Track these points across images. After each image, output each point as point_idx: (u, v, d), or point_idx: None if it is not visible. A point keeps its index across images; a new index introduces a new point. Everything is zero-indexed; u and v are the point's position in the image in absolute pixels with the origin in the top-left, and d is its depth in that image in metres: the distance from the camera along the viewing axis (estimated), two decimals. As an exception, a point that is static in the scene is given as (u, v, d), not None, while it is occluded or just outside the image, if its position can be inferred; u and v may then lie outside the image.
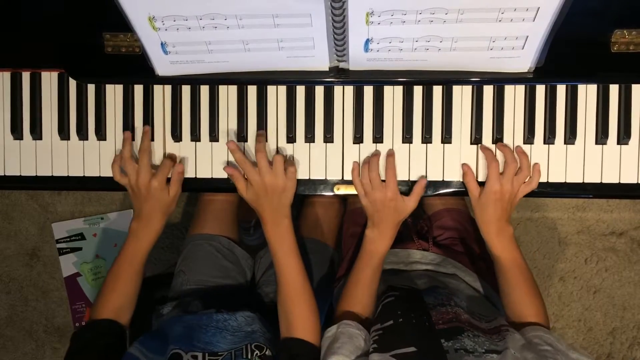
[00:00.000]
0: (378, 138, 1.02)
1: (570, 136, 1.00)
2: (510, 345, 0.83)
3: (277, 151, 1.02)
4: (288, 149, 1.03)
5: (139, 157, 1.00)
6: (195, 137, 1.03)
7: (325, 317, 1.21)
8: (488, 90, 1.01)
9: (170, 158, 1.03)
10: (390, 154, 1.00)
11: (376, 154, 1.01)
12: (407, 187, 1.01)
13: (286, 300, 0.99)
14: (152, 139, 1.03)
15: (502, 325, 0.92)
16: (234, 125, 1.03)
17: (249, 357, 0.94)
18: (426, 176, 1.01)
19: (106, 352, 0.95)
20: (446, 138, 1.01)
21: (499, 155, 0.99)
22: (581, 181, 1.00)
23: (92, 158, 1.05)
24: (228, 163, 1.03)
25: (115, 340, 0.98)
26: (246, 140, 1.03)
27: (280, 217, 0.99)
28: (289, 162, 1.01)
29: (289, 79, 1.00)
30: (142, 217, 1.01)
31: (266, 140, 1.02)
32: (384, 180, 0.98)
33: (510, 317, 1.00)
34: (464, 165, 1.00)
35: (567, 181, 1.01)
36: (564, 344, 0.87)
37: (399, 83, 1.01)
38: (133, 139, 1.03)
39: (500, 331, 0.90)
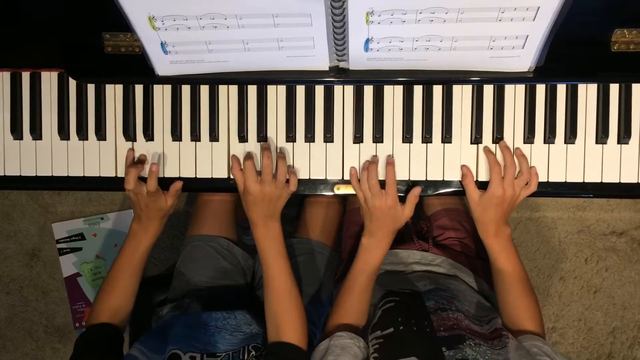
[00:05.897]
0: (378, 138, 1.01)
1: (571, 136, 1.00)
2: (511, 356, 0.83)
3: (279, 151, 1.02)
4: (288, 148, 1.03)
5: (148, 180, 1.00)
6: (195, 137, 1.03)
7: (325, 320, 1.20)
8: (488, 90, 1.01)
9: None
10: (390, 162, 0.99)
11: (374, 160, 1.00)
12: (407, 187, 1.01)
13: (273, 303, 0.99)
14: (152, 139, 1.04)
15: (501, 329, 0.92)
16: (234, 125, 1.03)
17: (246, 357, 0.94)
18: (426, 176, 1.01)
19: (103, 357, 0.96)
20: (446, 138, 1.01)
21: (499, 157, 0.99)
22: (581, 181, 1.00)
23: (92, 158, 1.05)
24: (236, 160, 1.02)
25: (110, 343, 0.99)
26: (246, 141, 1.03)
27: (271, 220, 1.00)
28: (292, 174, 1.00)
29: (289, 78, 1.00)
30: (142, 220, 1.03)
31: (269, 149, 1.00)
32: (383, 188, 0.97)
33: (505, 321, 1.00)
34: (463, 166, 1.00)
35: (568, 181, 1.00)
36: (560, 356, 0.87)
37: (399, 83, 1.01)
38: (135, 140, 1.04)
39: (502, 336, 0.89)
